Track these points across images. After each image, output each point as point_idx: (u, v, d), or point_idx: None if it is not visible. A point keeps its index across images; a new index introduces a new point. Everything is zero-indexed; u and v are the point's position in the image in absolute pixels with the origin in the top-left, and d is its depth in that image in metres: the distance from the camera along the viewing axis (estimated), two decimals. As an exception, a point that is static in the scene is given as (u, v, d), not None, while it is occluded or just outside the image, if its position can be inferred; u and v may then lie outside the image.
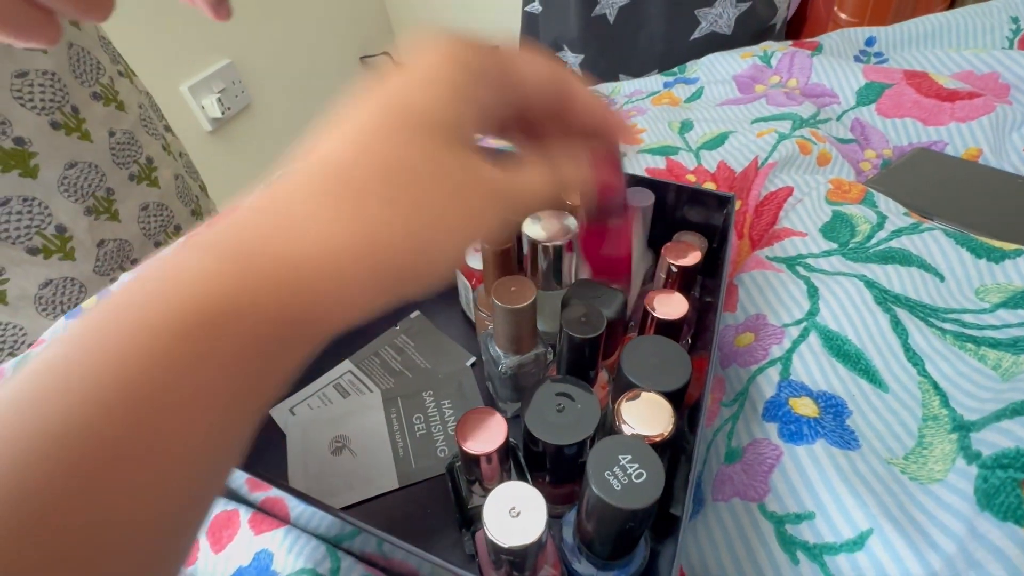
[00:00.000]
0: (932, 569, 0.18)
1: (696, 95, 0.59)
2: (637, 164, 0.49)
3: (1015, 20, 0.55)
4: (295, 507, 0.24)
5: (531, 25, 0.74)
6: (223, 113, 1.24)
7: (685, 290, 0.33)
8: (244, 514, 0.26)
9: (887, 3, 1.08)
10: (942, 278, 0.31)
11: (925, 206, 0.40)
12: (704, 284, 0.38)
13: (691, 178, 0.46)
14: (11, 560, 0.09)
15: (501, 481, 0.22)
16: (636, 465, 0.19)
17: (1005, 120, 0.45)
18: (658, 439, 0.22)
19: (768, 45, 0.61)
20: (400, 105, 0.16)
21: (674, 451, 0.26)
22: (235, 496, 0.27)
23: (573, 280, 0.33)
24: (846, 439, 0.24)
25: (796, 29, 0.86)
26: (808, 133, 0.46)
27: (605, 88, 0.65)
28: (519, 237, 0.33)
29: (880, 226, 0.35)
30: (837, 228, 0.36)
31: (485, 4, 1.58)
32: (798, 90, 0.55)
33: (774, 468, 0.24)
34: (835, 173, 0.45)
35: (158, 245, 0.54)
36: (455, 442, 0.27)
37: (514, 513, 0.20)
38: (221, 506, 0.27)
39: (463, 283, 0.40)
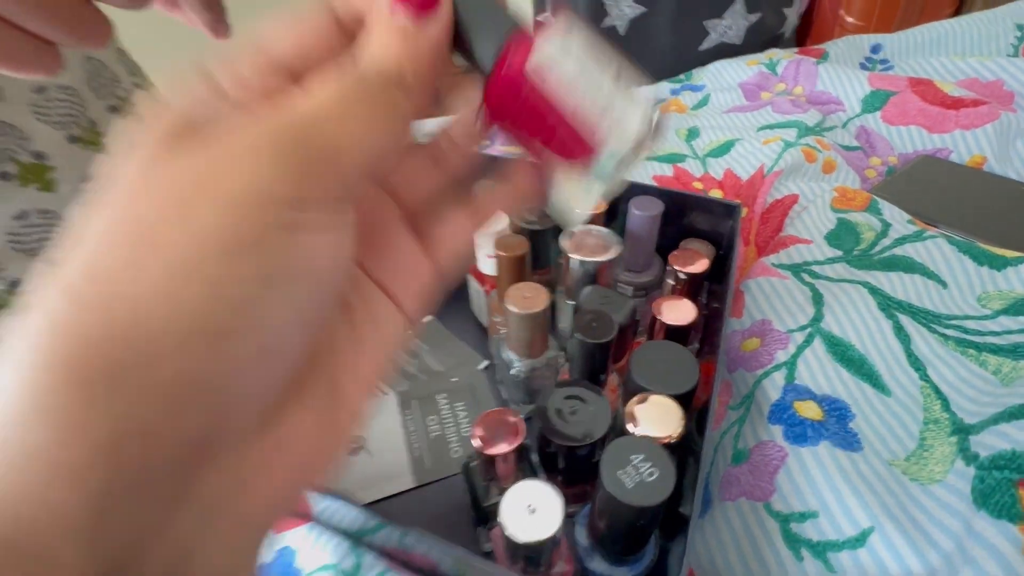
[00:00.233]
0: (931, 566, 0.19)
1: (702, 102, 0.60)
2: (645, 171, 0.50)
3: (1021, 28, 0.56)
4: (318, 503, 0.25)
5: None
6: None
7: (693, 296, 0.34)
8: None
9: (894, 6, 1.08)
10: (945, 285, 0.32)
11: (929, 213, 0.40)
12: (711, 290, 0.39)
13: (698, 185, 0.47)
14: None
15: (516, 480, 0.23)
16: (648, 464, 0.20)
17: (1009, 128, 0.46)
18: (668, 440, 0.23)
19: (774, 53, 0.62)
20: None
21: (683, 452, 0.27)
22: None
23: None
24: (849, 441, 0.25)
25: (802, 32, 0.86)
26: (814, 141, 0.47)
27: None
28: (532, 244, 0.34)
29: (884, 234, 0.36)
30: (842, 236, 0.37)
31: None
32: (804, 97, 0.56)
33: (779, 469, 0.25)
34: (840, 180, 0.45)
35: None
36: (471, 442, 0.28)
37: (531, 509, 0.22)
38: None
39: (476, 288, 0.41)
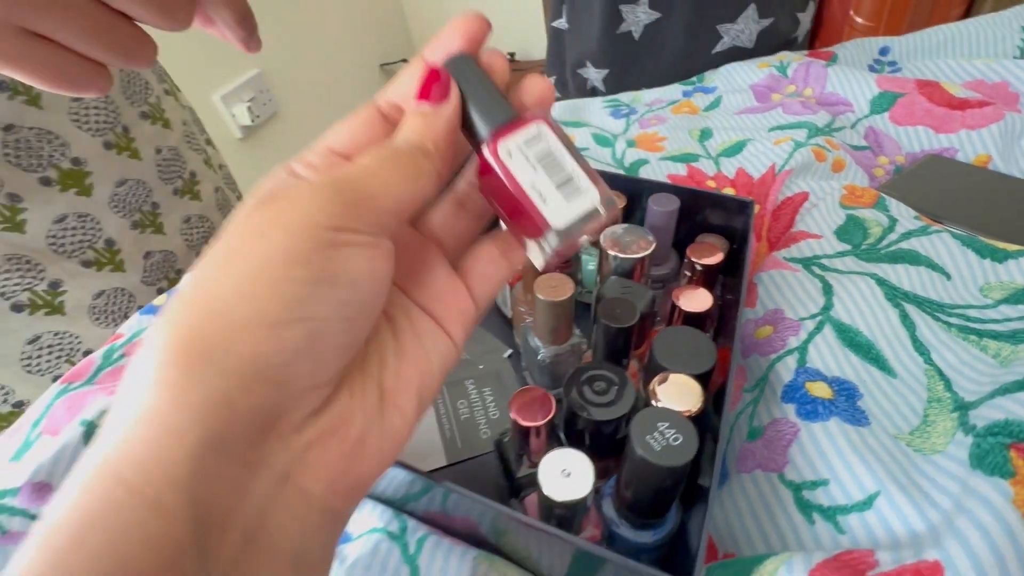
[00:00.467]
0: (931, 523, 0.21)
1: (714, 104, 0.62)
2: (660, 171, 0.52)
3: (1026, 30, 0.57)
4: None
5: (557, 40, 0.77)
6: (253, 121, 1.29)
7: (708, 288, 0.36)
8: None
9: (903, 7, 1.09)
10: (948, 276, 0.34)
11: (935, 210, 0.42)
12: (725, 283, 0.41)
13: (711, 184, 0.49)
14: None
15: (545, 454, 0.25)
16: (673, 431, 0.22)
17: (1014, 127, 0.48)
18: (688, 414, 0.25)
19: (784, 55, 0.64)
20: None
21: (701, 429, 0.29)
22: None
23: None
24: (857, 417, 0.27)
25: (812, 33, 0.88)
26: (823, 141, 0.49)
27: (625, 97, 0.68)
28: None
29: (891, 228, 0.38)
30: (850, 231, 0.38)
31: (505, 15, 1.62)
32: (814, 99, 0.58)
33: (792, 442, 0.27)
34: (849, 179, 0.47)
35: (200, 256, 0.57)
36: (507, 419, 0.30)
37: (565, 474, 0.24)
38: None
39: (500, 281, 0.43)
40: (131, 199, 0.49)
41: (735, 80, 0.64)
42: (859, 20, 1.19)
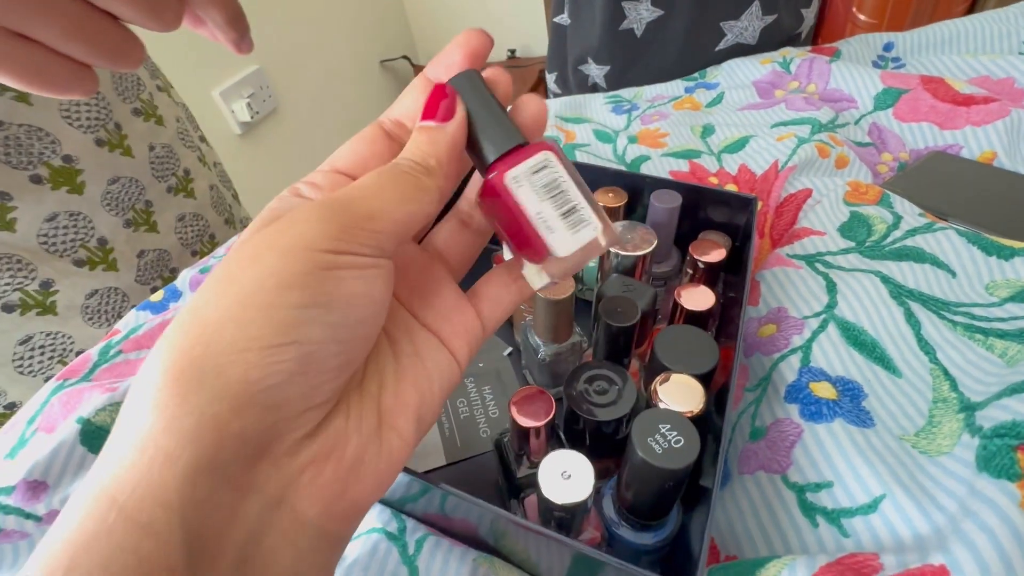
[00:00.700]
0: (936, 526, 0.20)
1: (717, 100, 0.61)
2: (662, 167, 0.51)
3: (1032, 26, 0.57)
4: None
5: (559, 36, 0.76)
6: (252, 117, 1.28)
7: (710, 285, 0.36)
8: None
9: (906, 4, 1.08)
10: (954, 274, 0.33)
11: (940, 207, 0.42)
12: (727, 280, 0.41)
13: (713, 180, 0.49)
14: None
15: (546, 455, 0.25)
16: (675, 433, 0.22)
17: (1020, 124, 0.47)
18: (690, 415, 0.25)
19: (787, 51, 0.63)
20: None
21: (703, 429, 0.29)
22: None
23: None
24: (862, 418, 0.26)
25: (814, 29, 0.87)
26: (827, 137, 0.48)
27: (627, 93, 0.67)
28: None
29: (896, 226, 0.37)
30: (854, 228, 0.38)
31: (506, 12, 1.61)
32: (817, 95, 0.57)
33: (796, 444, 0.26)
34: (852, 176, 0.47)
35: (195, 254, 0.57)
36: (507, 417, 0.29)
37: (565, 476, 0.23)
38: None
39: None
40: (124, 197, 0.49)
41: (737, 76, 0.63)
42: (862, 17, 1.18)
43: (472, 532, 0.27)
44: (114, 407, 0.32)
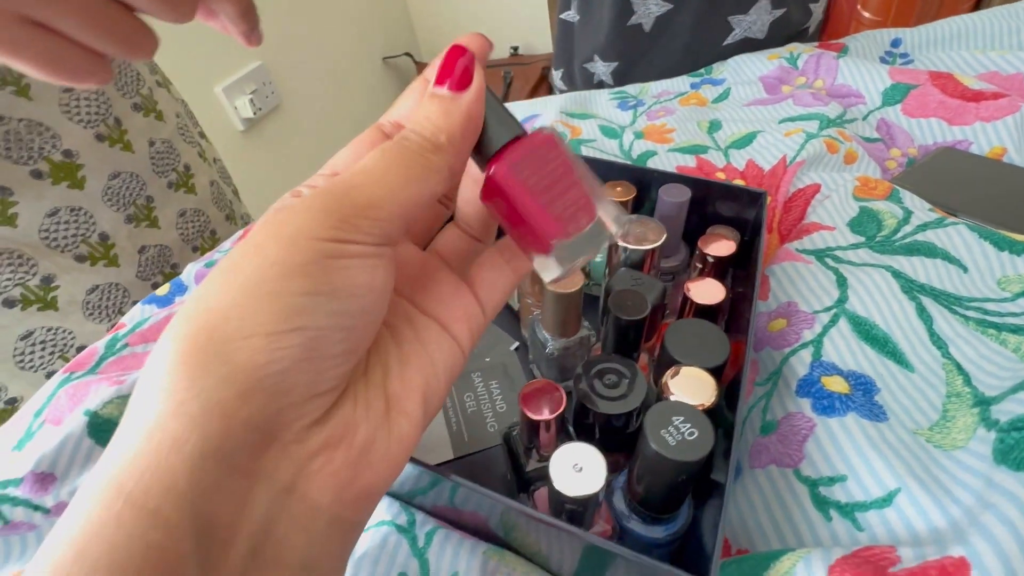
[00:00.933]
0: (953, 519, 0.20)
1: (723, 96, 0.61)
2: (668, 162, 0.51)
3: (1041, 21, 0.56)
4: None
5: (566, 33, 0.76)
6: (255, 113, 1.28)
7: (719, 279, 0.36)
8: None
9: (912, 1, 1.08)
10: (965, 269, 0.33)
11: (950, 203, 0.41)
12: (735, 275, 0.40)
13: (720, 176, 0.49)
14: None
15: (555, 448, 0.25)
16: (688, 425, 0.22)
17: (1030, 120, 0.47)
18: (702, 407, 0.25)
19: (794, 47, 0.63)
20: None
21: (714, 423, 0.28)
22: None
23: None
24: (875, 412, 0.26)
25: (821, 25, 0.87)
26: (835, 132, 0.48)
27: (632, 89, 0.67)
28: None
29: (906, 220, 0.37)
30: (864, 222, 0.38)
31: (508, 9, 1.60)
32: (824, 91, 0.57)
33: (808, 438, 0.26)
34: (861, 171, 0.46)
35: (195, 250, 0.57)
36: (514, 412, 0.29)
37: (577, 468, 0.23)
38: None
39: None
40: (125, 192, 0.49)
41: (744, 72, 0.63)
42: (866, 15, 1.17)
43: (482, 525, 0.26)
44: (121, 400, 0.32)
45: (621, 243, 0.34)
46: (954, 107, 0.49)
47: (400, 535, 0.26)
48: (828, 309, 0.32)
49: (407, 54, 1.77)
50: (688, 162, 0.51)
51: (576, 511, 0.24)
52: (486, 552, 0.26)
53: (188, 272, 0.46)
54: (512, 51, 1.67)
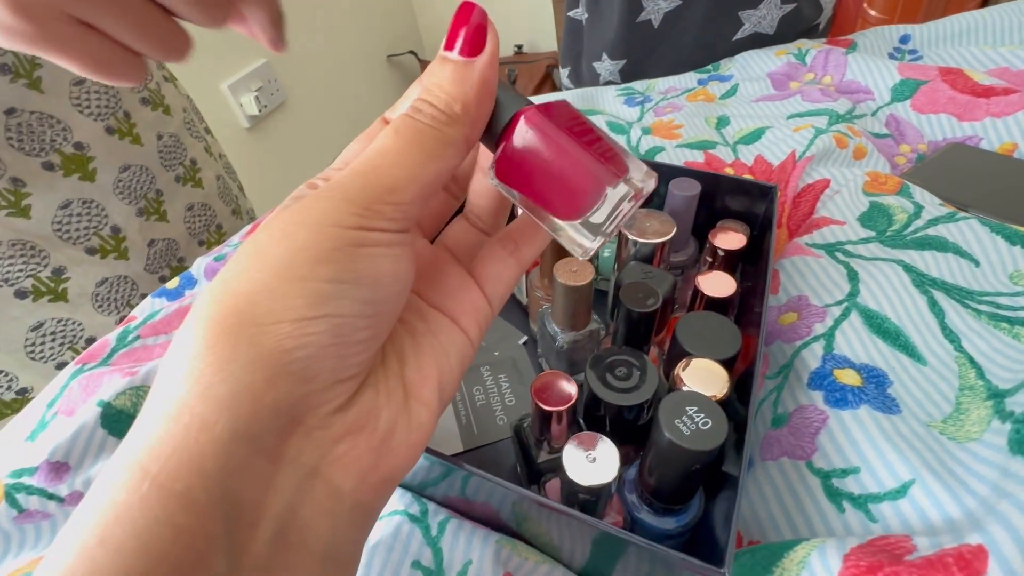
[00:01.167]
0: (968, 509, 0.20)
1: (731, 92, 0.61)
2: (676, 158, 0.51)
3: (1052, 17, 0.56)
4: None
5: (575, 31, 0.76)
6: (260, 110, 1.29)
7: (729, 273, 0.36)
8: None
9: (918, 1, 1.07)
10: (977, 263, 0.33)
11: (960, 198, 0.41)
12: (744, 270, 0.40)
13: (729, 171, 0.49)
14: None
15: (566, 440, 0.25)
16: (702, 415, 0.22)
17: (1040, 115, 0.47)
18: (715, 398, 0.25)
19: (803, 43, 0.63)
20: None
21: (726, 415, 0.28)
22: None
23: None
24: (888, 405, 0.26)
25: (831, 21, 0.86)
26: (844, 128, 0.48)
27: (639, 86, 0.67)
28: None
29: (917, 215, 0.37)
30: (875, 217, 0.38)
31: (512, 7, 1.60)
32: (833, 87, 0.57)
33: (821, 430, 0.26)
34: (871, 166, 0.46)
35: (202, 244, 0.57)
36: (523, 405, 0.29)
37: (590, 459, 0.23)
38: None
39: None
40: (136, 185, 0.49)
41: (752, 68, 0.63)
42: (872, 13, 1.17)
43: (493, 516, 0.26)
44: (134, 391, 0.32)
45: (631, 236, 0.34)
46: (964, 103, 0.49)
47: (413, 524, 0.26)
48: (839, 303, 0.32)
49: (411, 52, 1.77)
50: (696, 158, 0.50)
51: (589, 501, 0.24)
52: (499, 541, 0.26)
53: (198, 266, 0.46)
54: (516, 49, 1.67)
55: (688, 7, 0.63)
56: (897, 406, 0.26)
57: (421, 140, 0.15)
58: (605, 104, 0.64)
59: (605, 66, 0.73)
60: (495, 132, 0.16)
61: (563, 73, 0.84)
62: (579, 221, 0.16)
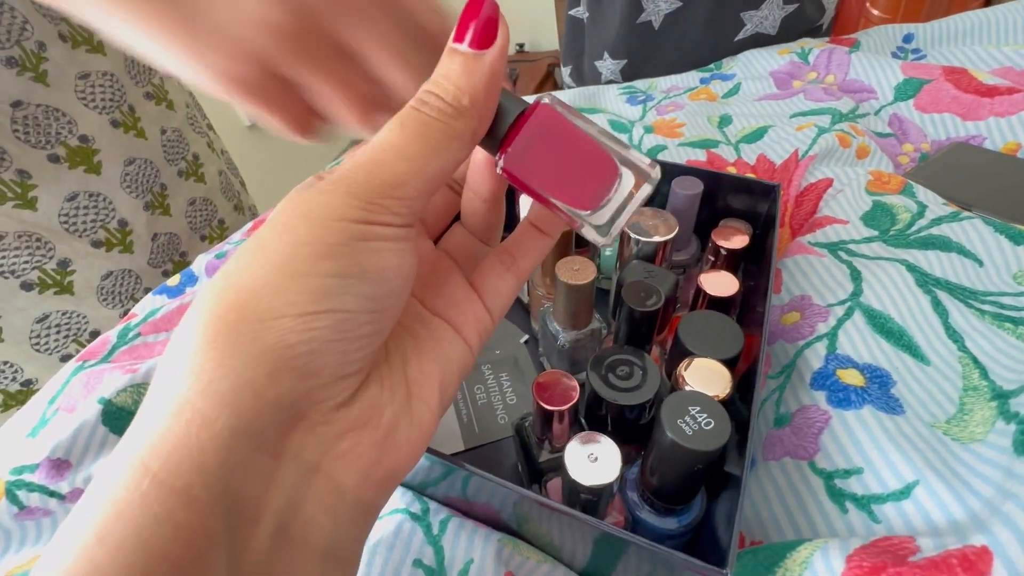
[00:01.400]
0: (972, 510, 0.20)
1: (733, 91, 0.61)
2: (679, 156, 0.51)
3: (1056, 17, 0.56)
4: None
5: (576, 30, 0.76)
6: (262, 109, 1.28)
7: (731, 272, 0.36)
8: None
9: (920, 0, 1.07)
10: (981, 263, 0.33)
11: (963, 198, 0.41)
12: (746, 269, 0.40)
13: (732, 170, 0.48)
14: None
15: (568, 439, 0.24)
16: (705, 415, 0.22)
17: (1045, 115, 0.46)
18: (717, 398, 0.25)
19: (806, 42, 0.63)
20: None
21: (729, 415, 0.28)
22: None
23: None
24: (891, 405, 0.26)
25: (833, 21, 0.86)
26: (847, 127, 0.48)
27: (641, 84, 0.67)
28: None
29: (920, 215, 0.37)
30: (878, 216, 0.38)
31: (514, 5, 1.60)
32: (836, 86, 0.57)
33: (823, 430, 0.26)
34: (874, 166, 0.46)
35: (203, 239, 0.58)
36: (524, 404, 0.29)
37: (592, 458, 0.23)
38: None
39: (517, 266, 0.43)
40: (141, 179, 0.49)
41: (754, 67, 0.63)
42: (875, 12, 1.16)
43: (494, 516, 0.26)
44: (135, 388, 0.32)
45: (633, 235, 0.34)
46: (968, 102, 0.49)
47: (414, 523, 0.26)
48: (843, 302, 0.32)
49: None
50: (698, 156, 0.50)
51: (591, 501, 0.24)
52: (500, 540, 0.26)
53: (199, 263, 0.46)
54: (518, 48, 1.67)
55: (688, 8, 0.63)
56: (900, 406, 0.26)
57: (427, 133, 0.14)
58: (607, 103, 0.64)
59: (607, 65, 0.73)
60: (496, 130, 0.16)
61: (565, 72, 0.84)
62: (595, 210, 0.16)
